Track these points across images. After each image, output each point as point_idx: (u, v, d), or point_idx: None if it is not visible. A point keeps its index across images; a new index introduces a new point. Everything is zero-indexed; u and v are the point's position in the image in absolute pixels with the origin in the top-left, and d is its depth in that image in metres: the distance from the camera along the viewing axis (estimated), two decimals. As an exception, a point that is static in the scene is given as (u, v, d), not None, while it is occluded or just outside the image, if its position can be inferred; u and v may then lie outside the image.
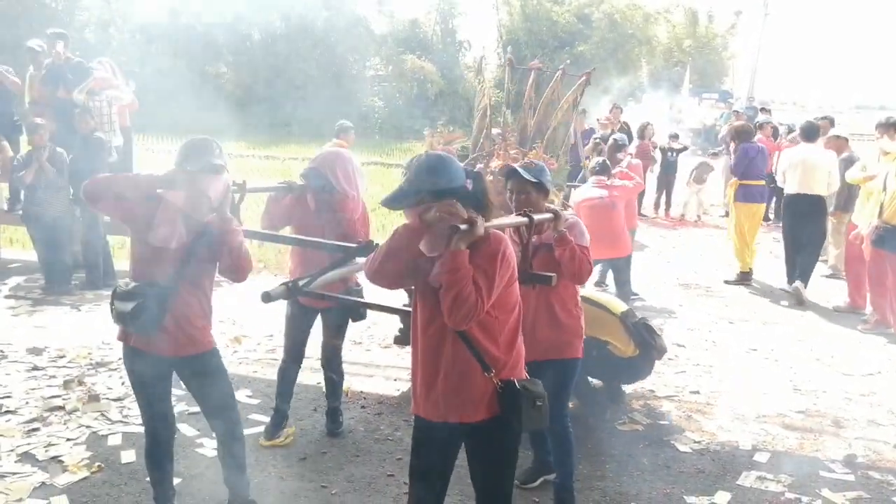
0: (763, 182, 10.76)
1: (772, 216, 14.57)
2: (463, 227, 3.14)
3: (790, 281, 9.82)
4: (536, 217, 4.03)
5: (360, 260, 4.63)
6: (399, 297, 6.16)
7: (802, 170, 9.63)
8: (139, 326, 3.84)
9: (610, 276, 9.36)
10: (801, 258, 9.76)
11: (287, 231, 5.24)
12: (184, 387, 4.29)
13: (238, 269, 3.95)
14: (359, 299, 5.17)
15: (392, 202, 3.29)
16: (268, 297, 4.39)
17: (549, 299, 4.40)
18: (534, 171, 4.39)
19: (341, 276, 4.79)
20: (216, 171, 3.88)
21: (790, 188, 9.79)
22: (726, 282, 10.53)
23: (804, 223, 9.72)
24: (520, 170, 4.39)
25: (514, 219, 3.99)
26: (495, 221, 3.44)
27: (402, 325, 6.30)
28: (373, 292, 5.00)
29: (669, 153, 15.59)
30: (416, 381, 3.47)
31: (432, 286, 3.24)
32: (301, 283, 4.55)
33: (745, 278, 10.56)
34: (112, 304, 3.92)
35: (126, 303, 3.83)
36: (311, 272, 4.69)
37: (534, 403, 3.34)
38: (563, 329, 4.47)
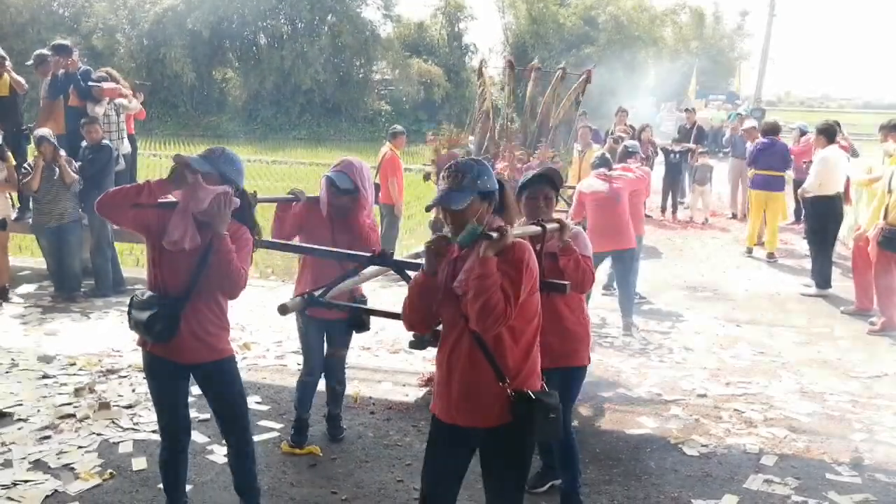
0: (781, 174, 12.09)
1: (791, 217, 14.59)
2: (494, 235, 3.19)
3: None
4: (548, 227, 4.09)
5: (371, 269, 4.67)
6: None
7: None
8: (155, 335, 3.90)
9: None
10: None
11: (297, 240, 5.27)
12: (193, 393, 4.33)
13: (224, 287, 3.96)
14: (369, 308, 5.19)
15: (448, 202, 3.28)
16: (284, 310, 4.39)
17: (556, 307, 4.43)
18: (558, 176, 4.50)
19: (354, 284, 4.81)
20: (203, 172, 3.87)
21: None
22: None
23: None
24: (554, 169, 4.49)
25: (529, 228, 4.05)
26: (514, 230, 3.48)
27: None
28: (380, 299, 5.02)
29: (672, 155, 15.60)
30: (436, 380, 3.54)
31: (454, 293, 3.29)
32: (317, 293, 4.58)
33: (748, 252, 12.42)
34: (129, 312, 4.00)
35: (142, 312, 3.90)
36: (325, 283, 4.72)
37: (547, 415, 3.37)
38: (569, 337, 4.52)
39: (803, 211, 11.64)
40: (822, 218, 10.07)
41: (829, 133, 10.13)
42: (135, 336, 4.16)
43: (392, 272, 4.82)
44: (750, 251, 12.40)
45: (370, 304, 5.43)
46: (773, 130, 12.40)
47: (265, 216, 4.91)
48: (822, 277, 10.07)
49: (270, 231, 5.27)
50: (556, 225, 4.27)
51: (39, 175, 8.65)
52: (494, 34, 40.84)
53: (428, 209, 3.49)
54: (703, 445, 5.67)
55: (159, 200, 3.90)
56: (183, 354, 3.99)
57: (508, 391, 3.32)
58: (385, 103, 36.78)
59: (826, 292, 9.98)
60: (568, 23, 38.34)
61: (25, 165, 9.00)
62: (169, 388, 4.12)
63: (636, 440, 5.75)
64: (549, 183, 4.49)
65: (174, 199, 3.93)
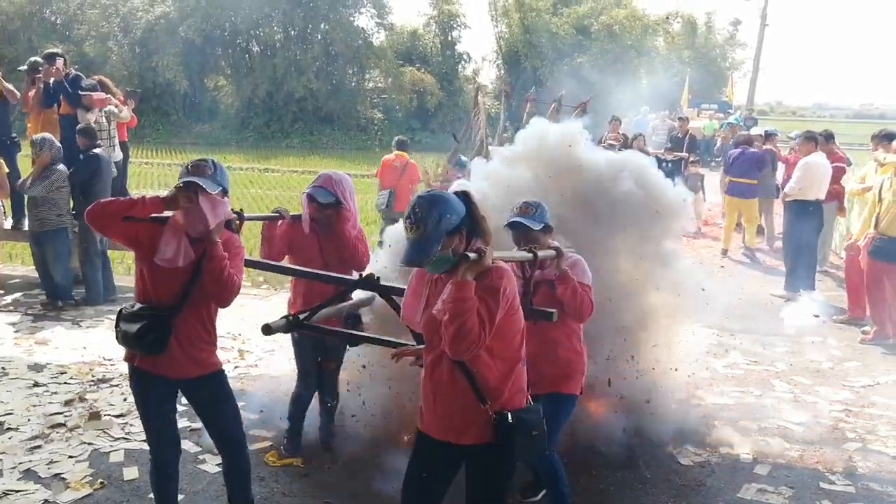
0: (753, 181, 12.79)
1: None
2: (472, 256, 3.15)
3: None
4: (540, 254, 4.07)
5: (359, 294, 4.66)
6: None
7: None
8: (144, 348, 3.86)
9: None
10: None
11: (286, 259, 5.25)
12: (184, 402, 4.30)
13: (218, 294, 3.92)
14: (361, 333, 5.18)
15: (417, 259, 3.20)
16: (268, 330, 4.39)
17: (549, 335, 4.39)
18: (537, 215, 4.41)
19: (339, 312, 4.81)
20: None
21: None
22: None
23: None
24: (524, 221, 4.38)
25: (518, 254, 4.03)
26: (500, 254, 3.45)
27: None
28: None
29: (664, 164, 15.59)
30: (422, 400, 3.53)
31: (435, 316, 3.26)
32: (301, 316, 4.57)
33: (723, 254, 13.19)
34: (118, 325, 3.95)
35: (131, 325, 3.85)
36: (314, 302, 4.71)
37: (529, 433, 3.35)
38: (560, 364, 4.47)
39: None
40: (799, 222, 10.13)
41: (814, 140, 10.28)
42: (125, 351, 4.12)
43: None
44: (725, 252, 13.20)
45: (364, 321, 5.42)
46: (746, 141, 13.23)
47: (251, 234, 4.90)
48: (797, 282, 10.19)
49: (259, 250, 5.25)
50: (551, 252, 4.25)
51: (31, 178, 8.63)
52: (487, 43, 40.95)
53: (403, 265, 3.34)
54: (697, 455, 5.66)
55: (151, 216, 3.88)
56: (171, 369, 3.95)
57: (490, 413, 3.30)
58: (378, 112, 36.79)
59: (797, 296, 10.01)
60: (561, 32, 38.42)
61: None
62: (157, 403, 4.07)
63: (630, 449, 5.72)
64: (527, 228, 4.41)
65: (166, 215, 3.90)
